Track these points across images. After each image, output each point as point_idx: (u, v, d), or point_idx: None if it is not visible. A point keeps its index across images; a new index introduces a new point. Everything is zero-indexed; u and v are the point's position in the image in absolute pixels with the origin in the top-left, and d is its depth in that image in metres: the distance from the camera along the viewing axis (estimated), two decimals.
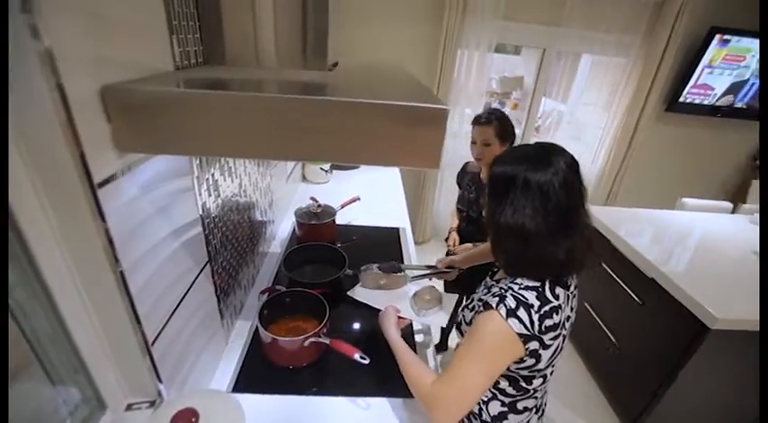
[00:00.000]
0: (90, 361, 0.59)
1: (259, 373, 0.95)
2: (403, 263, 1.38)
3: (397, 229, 1.65)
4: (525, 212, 0.68)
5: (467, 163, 1.70)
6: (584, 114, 3.09)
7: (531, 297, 0.70)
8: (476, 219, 1.60)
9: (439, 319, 1.09)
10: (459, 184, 1.72)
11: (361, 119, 0.51)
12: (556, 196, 0.67)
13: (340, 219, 1.62)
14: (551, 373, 0.80)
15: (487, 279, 0.88)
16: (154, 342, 0.64)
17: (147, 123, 0.51)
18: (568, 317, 0.76)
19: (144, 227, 0.61)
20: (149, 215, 0.62)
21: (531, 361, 0.73)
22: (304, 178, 2.09)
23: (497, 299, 0.71)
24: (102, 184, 0.50)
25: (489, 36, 2.47)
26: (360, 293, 1.14)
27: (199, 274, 0.82)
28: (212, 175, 0.87)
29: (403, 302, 1.10)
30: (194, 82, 0.60)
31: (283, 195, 1.64)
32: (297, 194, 1.91)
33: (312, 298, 1.04)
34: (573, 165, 0.71)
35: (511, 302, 0.70)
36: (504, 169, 0.71)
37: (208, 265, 0.86)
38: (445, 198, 3.02)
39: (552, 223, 0.68)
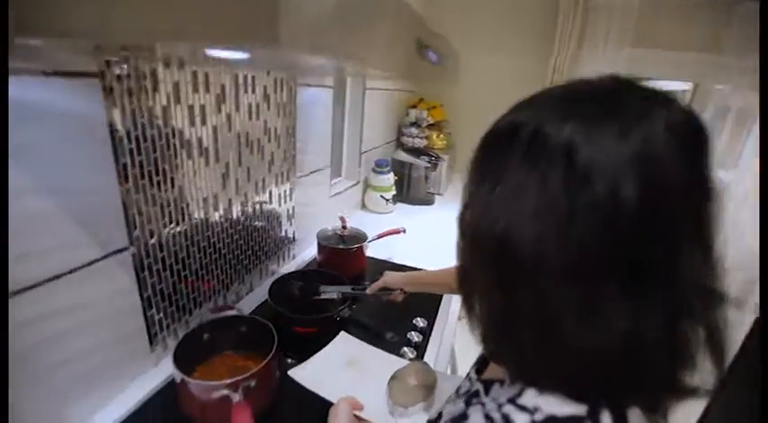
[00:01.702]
0: None
1: (158, 420, 0.68)
2: (435, 319, 0.99)
3: None
4: (519, 208, 0.28)
5: None
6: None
7: None
8: None
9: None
10: None
11: None
12: (611, 192, 0.25)
13: (379, 252, 1.33)
14: None
15: (471, 372, 0.45)
16: None
17: None
18: None
19: None
20: None
21: None
22: (364, 206, 1.88)
23: None
24: None
25: (611, 70, 1.99)
26: (303, 374, 0.73)
27: (100, 260, 0.62)
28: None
29: (373, 391, 0.69)
30: None
31: (325, 215, 1.44)
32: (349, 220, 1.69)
33: (268, 333, 0.75)
34: (686, 128, 0.27)
35: None
36: (513, 118, 0.31)
37: (127, 252, 0.67)
38: None
39: (593, 252, 0.26)
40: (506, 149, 0.30)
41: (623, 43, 1.94)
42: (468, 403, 0.39)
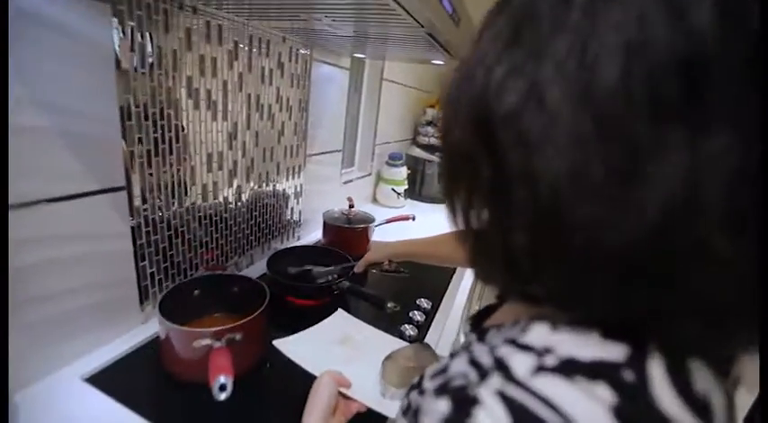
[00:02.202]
0: None
1: (138, 373, 0.64)
2: (440, 302, 0.94)
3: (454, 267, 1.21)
4: (512, 43, 0.21)
5: None
6: None
7: (587, 406, 0.19)
8: None
9: None
10: None
11: None
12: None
13: (390, 239, 1.29)
14: None
15: (464, 327, 0.40)
16: None
17: None
18: None
19: None
20: None
21: None
22: (375, 200, 1.85)
23: (452, 396, 0.23)
24: None
25: None
26: (289, 346, 0.65)
27: (94, 194, 0.60)
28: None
29: (365, 370, 0.61)
30: None
31: (333, 201, 1.41)
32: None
33: (260, 293, 0.71)
34: None
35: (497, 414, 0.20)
36: None
37: (123, 193, 0.64)
38: None
39: (611, 75, 0.18)
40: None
41: None
42: (452, 356, 0.29)
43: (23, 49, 0.48)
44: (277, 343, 0.65)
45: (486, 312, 0.36)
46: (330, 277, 0.91)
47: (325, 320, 0.75)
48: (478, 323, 0.34)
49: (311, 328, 0.72)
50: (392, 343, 0.73)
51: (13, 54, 0.46)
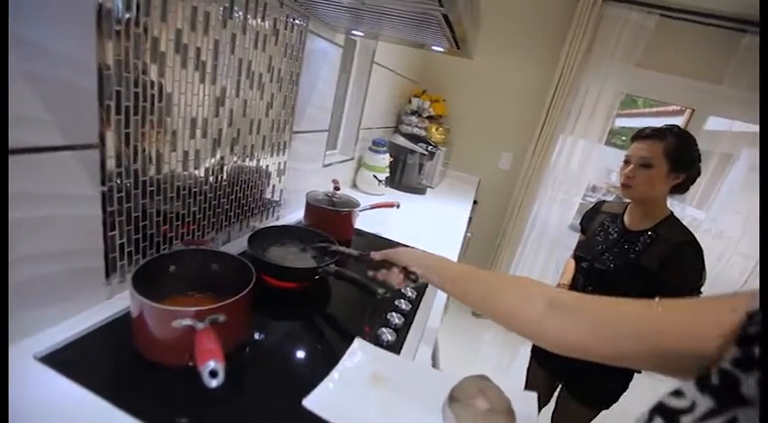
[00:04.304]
0: None
1: (101, 353, 0.58)
2: (423, 293, 0.92)
3: None
4: None
5: (602, 202, 1.30)
6: (732, 226, 2.26)
7: None
8: (602, 273, 1.10)
9: None
10: (583, 228, 1.30)
11: None
12: None
13: (368, 226, 1.26)
14: None
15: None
16: None
17: None
18: None
19: None
20: None
21: None
22: (354, 185, 1.81)
23: None
24: None
25: (615, 85, 2.03)
26: (323, 401, 0.54)
27: (61, 149, 0.53)
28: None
29: (415, 411, 0.55)
30: None
31: (314, 183, 1.36)
32: None
33: (243, 273, 0.66)
34: None
35: None
36: None
37: (95, 151, 0.57)
38: (532, 257, 2.46)
39: None
40: None
41: (630, 60, 1.96)
42: None
43: None
44: (307, 403, 0.53)
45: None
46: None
47: (346, 357, 0.63)
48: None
49: (334, 373, 0.60)
50: (425, 373, 0.65)
51: None
